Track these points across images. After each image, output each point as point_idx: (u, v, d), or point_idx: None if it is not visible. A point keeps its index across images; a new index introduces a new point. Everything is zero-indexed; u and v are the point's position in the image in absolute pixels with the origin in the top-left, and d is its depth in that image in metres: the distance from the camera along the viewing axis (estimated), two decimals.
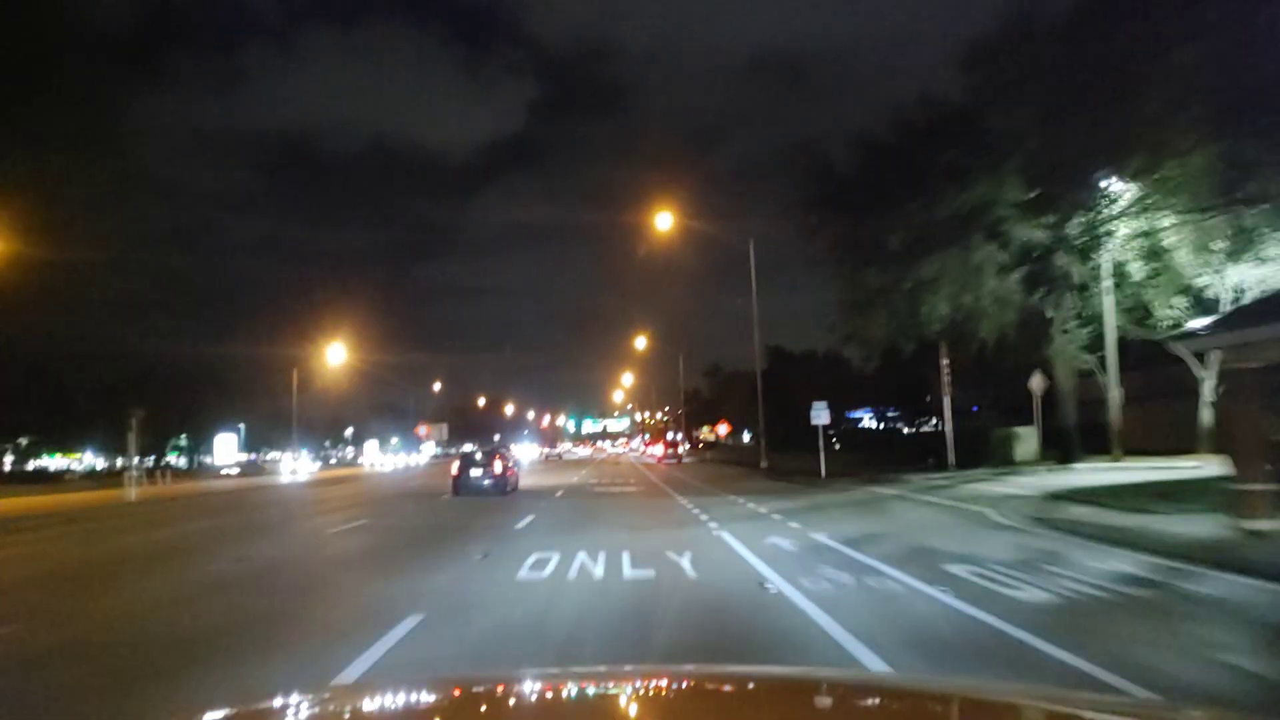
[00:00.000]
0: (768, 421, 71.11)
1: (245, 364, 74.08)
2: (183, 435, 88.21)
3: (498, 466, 25.47)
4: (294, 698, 2.47)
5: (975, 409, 59.82)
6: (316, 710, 2.29)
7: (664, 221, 37.73)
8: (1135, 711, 2.54)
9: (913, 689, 2.72)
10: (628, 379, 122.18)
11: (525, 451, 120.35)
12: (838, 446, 64.88)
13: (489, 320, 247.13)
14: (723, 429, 57.66)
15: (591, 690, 2.51)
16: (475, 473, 25.20)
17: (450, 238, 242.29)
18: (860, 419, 72.64)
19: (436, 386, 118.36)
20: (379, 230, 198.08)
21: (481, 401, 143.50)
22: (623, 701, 2.30)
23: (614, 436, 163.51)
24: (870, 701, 2.35)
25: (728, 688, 2.56)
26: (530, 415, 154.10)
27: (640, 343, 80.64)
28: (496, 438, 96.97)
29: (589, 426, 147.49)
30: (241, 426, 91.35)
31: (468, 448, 44.31)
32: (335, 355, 73.87)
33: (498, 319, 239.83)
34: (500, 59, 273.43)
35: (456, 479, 25.35)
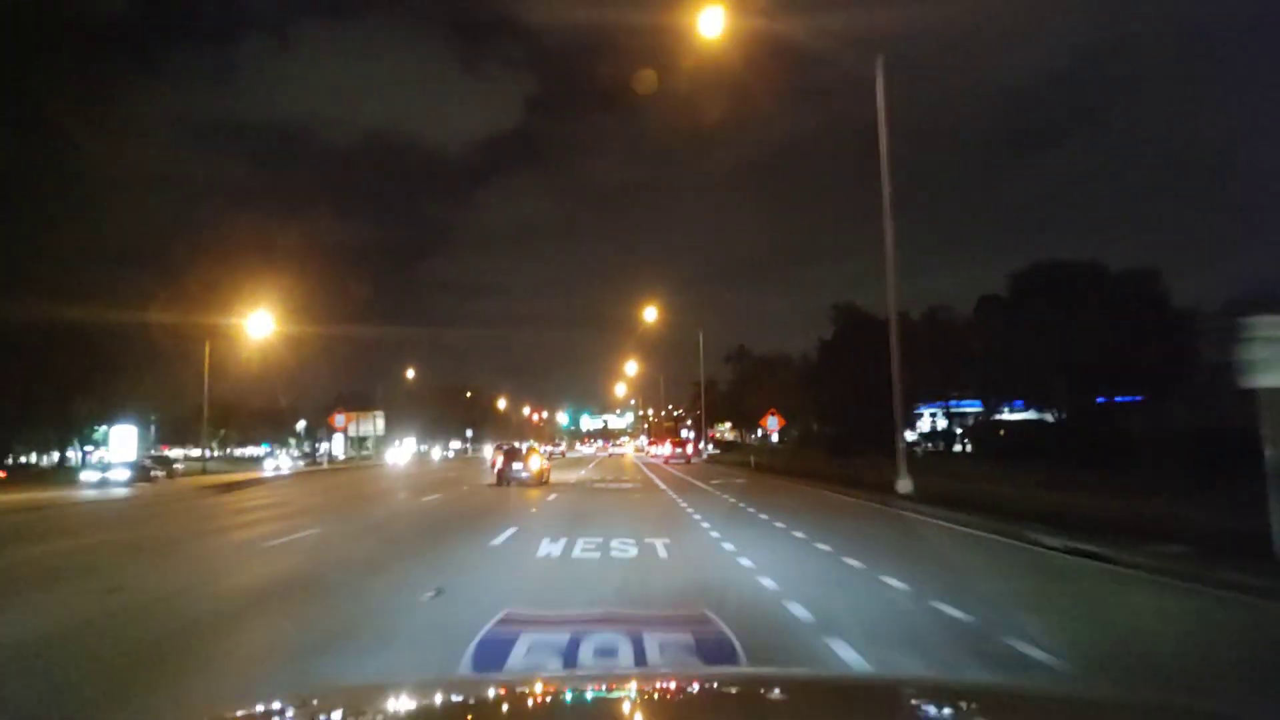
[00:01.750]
0: (832, 412, 52.93)
1: (179, 344, 56.47)
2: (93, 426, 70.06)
3: (534, 462, 31.02)
4: (295, 700, 2.44)
5: (1112, 400, 41.73)
6: (317, 713, 2.31)
7: (713, 26, 19.86)
8: (1132, 710, 2.52)
9: (911, 688, 2.71)
10: (631, 367, 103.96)
11: None
12: (967, 448, 45.82)
13: (488, 317, 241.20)
14: (773, 422, 38.96)
15: (590, 694, 2.49)
16: (515, 466, 30.46)
17: (448, 234, 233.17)
18: (939, 411, 54.69)
19: (410, 374, 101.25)
20: (377, 226, 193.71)
21: (469, 394, 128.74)
22: (626, 707, 2.29)
23: (614, 436, 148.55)
24: (870, 702, 2.34)
25: (731, 689, 2.56)
26: (526, 411, 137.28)
27: (650, 315, 62.73)
28: (469, 433, 79.40)
29: (588, 423, 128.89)
30: (153, 418, 74.08)
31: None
32: (259, 327, 55.84)
33: (497, 316, 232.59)
34: (498, 53, 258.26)
35: (501, 471, 30.56)
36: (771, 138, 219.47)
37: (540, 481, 30.11)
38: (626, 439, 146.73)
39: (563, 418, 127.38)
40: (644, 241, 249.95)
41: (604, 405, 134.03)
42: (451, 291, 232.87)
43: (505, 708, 2.30)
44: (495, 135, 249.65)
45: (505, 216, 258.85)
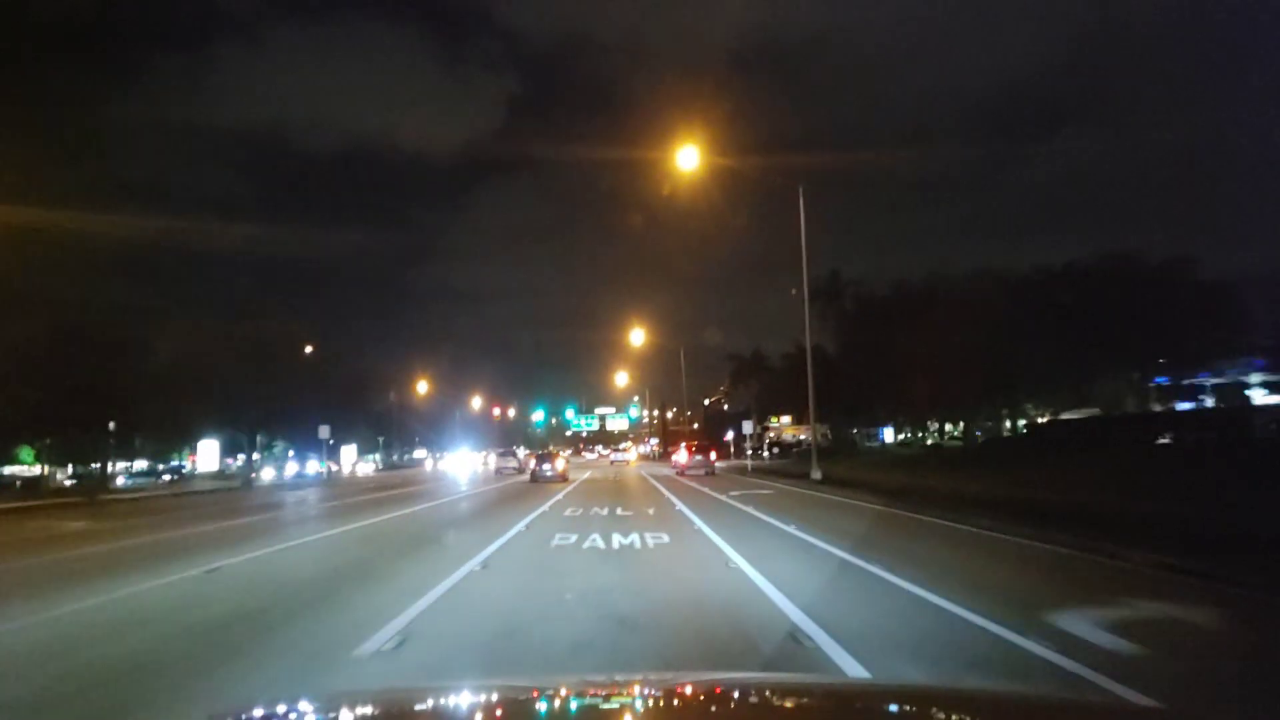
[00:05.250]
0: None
1: None
2: None
3: (559, 464, 39.85)
4: (295, 705, 2.44)
5: None
6: (323, 718, 2.29)
7: None
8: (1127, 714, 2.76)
9: (908, 694, 2.70)
10: (637, 338, 67.87)
11: (465, 461, 73.59)
12: None
13: (479, 323, 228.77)
14: None
15: (593, 700, 2.48)
16: (545, 467, 38.71)
17: (435, 240, 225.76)
18: None
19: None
20: (360, 233, 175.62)
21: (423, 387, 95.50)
22: (628, 717, 2.27)
23: (614, 440, 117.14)
24: (868, 707, 2.32)
25: (731, 694, 2.52)
26: (511, 412, 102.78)
27: (687, 160, 27.98)
28: (323, 430, 44.93)
29: (573, 423, 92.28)
30: None
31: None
32: None
33: (489, 322, 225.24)
34: (478, 54, 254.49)
35: (533, 471, 39.45)
36: (761, 140, 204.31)
37: (565, 479, 37.07)
38: (629, 444, 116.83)
39: (543, 417, 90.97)
40: (639, 243, 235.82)
41: (601, 400, 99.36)
42: (443, 296, 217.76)
43: (511, 713, 2.29)
44: (479, 137, 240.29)
45: (494, 221, 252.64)
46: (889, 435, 53.36)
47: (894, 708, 2.29)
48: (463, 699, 2.47)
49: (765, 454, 59.87)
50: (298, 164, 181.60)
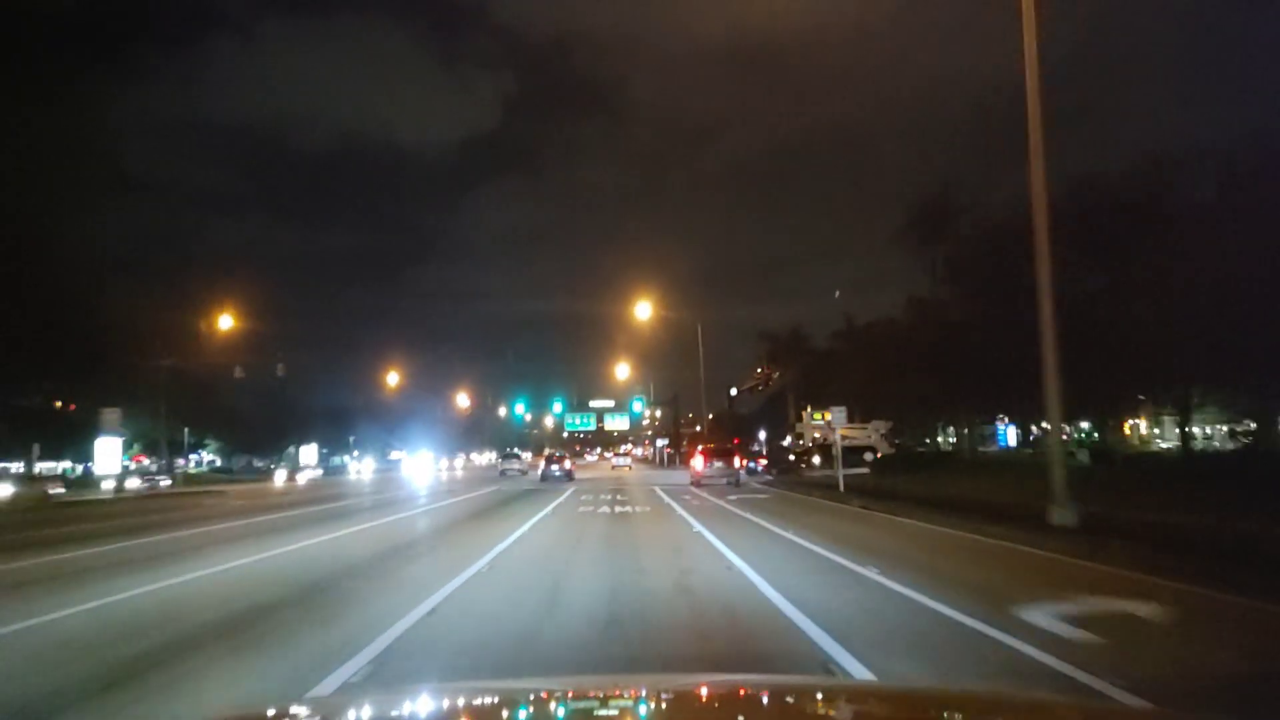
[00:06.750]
0: None
1: None
2: None
3: (566, 464, 46.11)
4: (296, 708, 2.42)
5: None
6: (324, 717, 2.27)
7: None
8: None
9: (909, 695, 2.66)
10: (644, 312, 53.06)
11: (423, 465, 62.49)
12: None
13: (473, 323, 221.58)
14: None
15: (594, 701, 2.45)
16: (553, 468, 43.78)
17: (432, 241, 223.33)
18: None
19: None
20: (358, 233, 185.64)
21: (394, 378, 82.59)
22: (626, 718, 2.25)
23: (615, 443, 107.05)
24: (870, 708, 2.29)
25: (733, 695, 2.48)
26: (501, 411, 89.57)
27: None
28: (109, 414, 27.96)
29: (567, 420, 77.74)
30: None
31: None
32: None
33: (483, 322, 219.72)
34: (475, 52, 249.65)
35: (542, 472, 44.14)
36: (761, 139, 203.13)
37: (571, 479, 42.28)
38: (630, 447, 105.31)
39: (524, 411, 77.00)
40: (638, 245, 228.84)
41: (598, 394, 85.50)
42: (438, 294, 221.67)
43: (513, 715, 2.25)
44: (474, 137, 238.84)
45: (492, 221, 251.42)
46: (1010, 437, 38.91)
47: (895, 709, 2.25)
48: (465, 700, 2.43)
49: (816, 460, 45.36)
50: (293, 161, 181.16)
